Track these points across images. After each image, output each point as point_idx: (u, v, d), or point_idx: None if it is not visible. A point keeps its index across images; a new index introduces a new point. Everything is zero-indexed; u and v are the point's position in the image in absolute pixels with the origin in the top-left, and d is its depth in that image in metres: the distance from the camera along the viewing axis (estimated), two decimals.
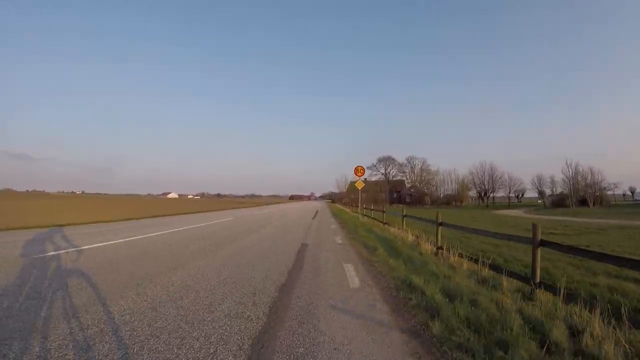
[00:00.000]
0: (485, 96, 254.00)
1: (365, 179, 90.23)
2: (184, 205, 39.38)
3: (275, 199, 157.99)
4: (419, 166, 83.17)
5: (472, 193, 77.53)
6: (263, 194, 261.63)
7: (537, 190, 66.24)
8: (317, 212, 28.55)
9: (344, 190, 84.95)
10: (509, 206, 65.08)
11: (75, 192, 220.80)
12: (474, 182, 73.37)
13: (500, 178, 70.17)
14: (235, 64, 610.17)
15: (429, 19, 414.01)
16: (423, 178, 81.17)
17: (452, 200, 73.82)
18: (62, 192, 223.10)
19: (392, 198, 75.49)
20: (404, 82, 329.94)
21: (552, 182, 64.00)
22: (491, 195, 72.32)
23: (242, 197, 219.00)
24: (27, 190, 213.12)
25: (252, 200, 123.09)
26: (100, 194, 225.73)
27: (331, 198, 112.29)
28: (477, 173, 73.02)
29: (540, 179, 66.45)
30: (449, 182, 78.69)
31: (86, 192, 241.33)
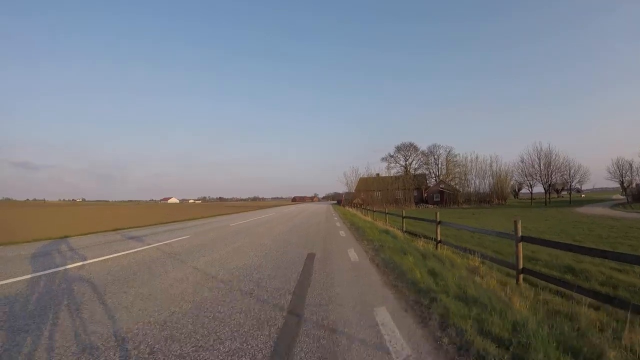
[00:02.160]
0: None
1: (377, 174, 64.78)
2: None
3: (277, 202, 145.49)
4: (444, 156, 64.03)
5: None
6: (266, 196, 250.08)
7: (618, 180, 47.76)
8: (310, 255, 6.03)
9: (354, 188, 65.64)
10: (571, 203, 47.70)
11: (75, 200, 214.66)
12: (525, 173, 53.87)
13: (559, 167, 49.56)
14: (237, 64, 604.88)
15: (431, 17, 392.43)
16: (449, 171, 62.27)
17: (491, 198, 55.35)
18: (63, 200, 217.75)
19: (414, 197, 58.10)
20: (406, 80, 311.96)
21: (631, 168, 45.91)
22: (533, 190, 54.21)
23: (245, 200, 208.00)
24: (27, 200, 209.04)
25: (249, 204, 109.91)
26: (101, 201, 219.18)
27: (337, 199, 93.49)
28: (531, 160, 52.11)
29: (620, 165, 47.56)
30: (490, 174, 58.60)
31: (87, 199, 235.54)
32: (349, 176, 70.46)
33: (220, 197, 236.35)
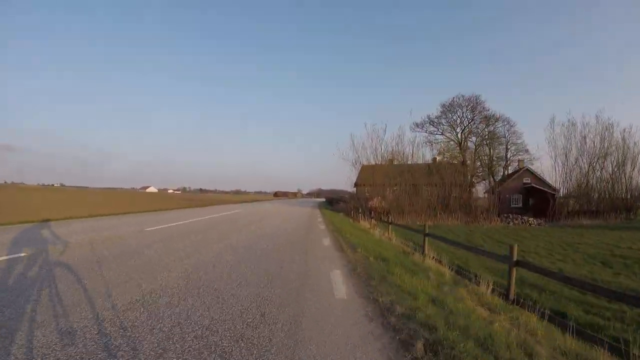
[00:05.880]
0: None
1: (391, 159, 32.05)
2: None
3: (259, 196, 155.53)
4: (505, 135, 40.62)
5: None
6: (249, 189, 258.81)
7: None
8: None
9: (369, 173, 30.90)
10: None
11: (54, 185, 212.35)
12: None
13: None
14: (217, 55, 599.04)
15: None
16: (509, 156, 40.86)
17: (618, 206, 28.64)
18: (42, 184, 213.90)
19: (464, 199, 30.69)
20: (401, 66, 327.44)
21: None
22: None
23: (227, 192, 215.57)
24: (5, 182, 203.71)
25: (228, 197, 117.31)
26: (78, 186, 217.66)
27: (324, 196, 65.44)
28: None
29: None
30: (616, 160, 30.03)
31: (65, 184, 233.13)
32: (362, 149, 32.49)
33: (201, 189, 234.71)
